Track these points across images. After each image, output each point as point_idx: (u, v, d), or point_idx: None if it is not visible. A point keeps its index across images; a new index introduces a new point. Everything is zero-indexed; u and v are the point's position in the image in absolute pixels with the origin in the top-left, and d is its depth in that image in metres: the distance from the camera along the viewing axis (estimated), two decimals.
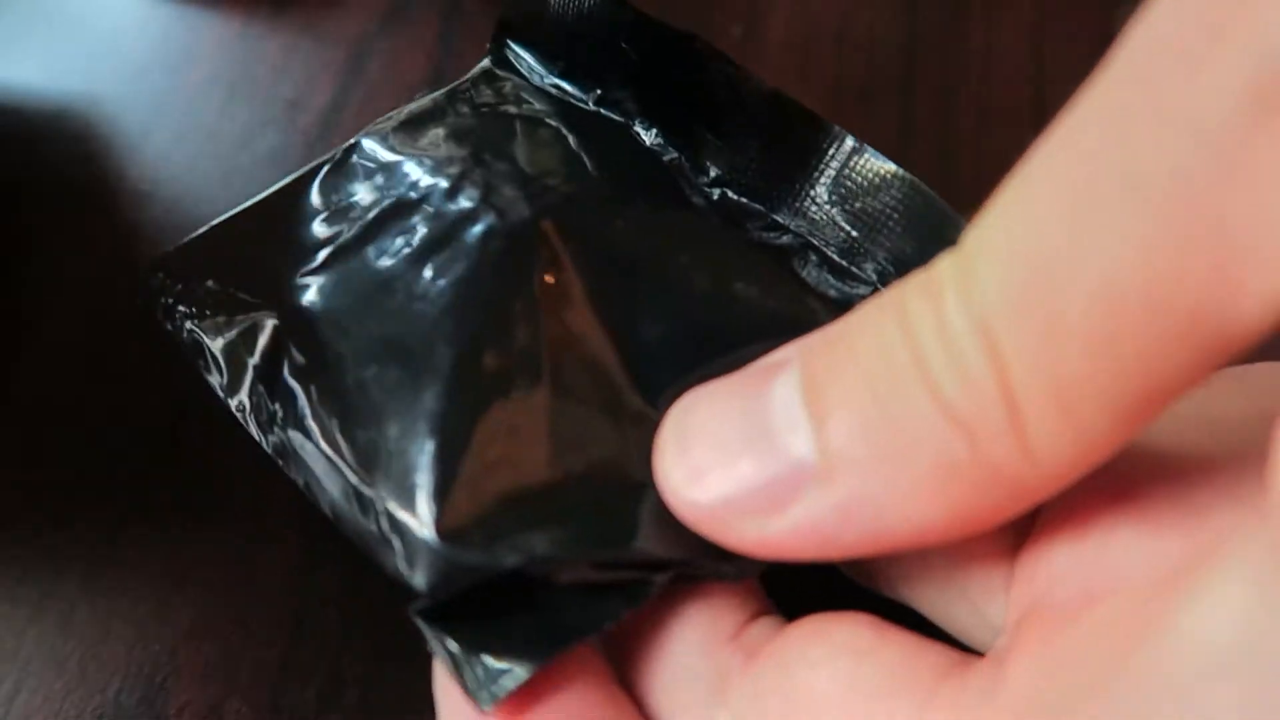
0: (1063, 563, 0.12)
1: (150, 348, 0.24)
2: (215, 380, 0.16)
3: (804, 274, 0.17)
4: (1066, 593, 0.11)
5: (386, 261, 0.15)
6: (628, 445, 0.13)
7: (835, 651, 0.12)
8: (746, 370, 0.12)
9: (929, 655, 0.12)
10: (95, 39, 0.28)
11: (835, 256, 0.17)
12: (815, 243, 0.17)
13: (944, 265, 0.11)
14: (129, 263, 0.25)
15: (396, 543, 0.13)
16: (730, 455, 0.12)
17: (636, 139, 0.18)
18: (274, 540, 0.22)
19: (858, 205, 0.16)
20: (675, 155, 0.18)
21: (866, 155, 0.16)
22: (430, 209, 0.16)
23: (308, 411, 0.14)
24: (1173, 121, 0.09)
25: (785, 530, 0.11)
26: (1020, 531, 0.13)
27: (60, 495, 0.22)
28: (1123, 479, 0.12)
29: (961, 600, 0.13)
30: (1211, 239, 0.09)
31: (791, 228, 0.17)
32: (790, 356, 0.12)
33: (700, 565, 0.13)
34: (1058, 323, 0.09)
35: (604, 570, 0.13)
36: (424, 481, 0.13)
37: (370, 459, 0.14)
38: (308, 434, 0.14)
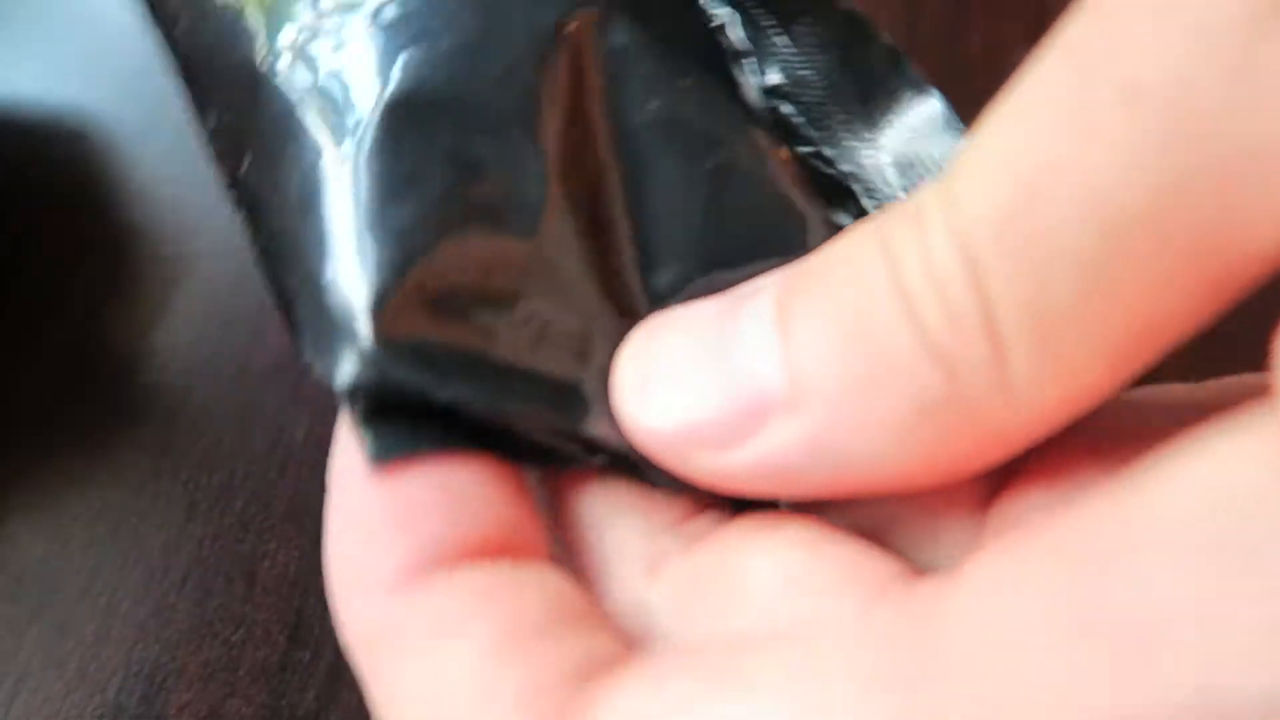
0: (1036, 518, 0.10)
1: (150, 347, 0.24)
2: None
3: (836, 220, 0.15)
4: None
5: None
6: (605, 322, 0.12)
7: (782, 543, 0.11)
8: (719, 296, 0.11)
9: (882, 562, 0.11)
10: (95, 41, 0.28)
11: (873, 212, 0.15)
12: (856, 191, 0.15)
13: (930, 191, 0.10)
14: (129, 263, 0.25)
15: (319, 320, 0.12)
16: (691, 380, 0.11)
17: (702, 11, 0.15)
18: (274, 540, 0.22)
19: (918, 175, 0.14)
20: (740, 41, 0.15)
21: (953, 132, 0.14)
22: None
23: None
24: (1175, 24, 0.08)
25: (746, 464, 0.11)
26: (996, 483, 0.12)
27: (60, 494, 0.22)
28: (1107, 431, 0.11)
29: (931, 546, 0.12)
30: (1216, 154, 0.08)
31: (838, 166, 0.15)
32: (766, 284, 0.11)
33: (645, 471, 0.12)
34: (1047, 244, 0.09)
35: (537, 434, 0.12)
36: (375, 277, 0.11)
37: (329, 228, 0.12)
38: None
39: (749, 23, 0.15)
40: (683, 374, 0.11)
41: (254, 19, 0.13)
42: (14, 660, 0.20)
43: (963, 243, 0.09)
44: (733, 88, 0.15)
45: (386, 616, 0.11)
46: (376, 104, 0.12)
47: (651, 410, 0.11)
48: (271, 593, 0.21)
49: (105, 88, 0.27)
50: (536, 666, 0.10)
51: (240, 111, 0.13)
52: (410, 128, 0.12)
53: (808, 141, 0.15)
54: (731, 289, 0.12)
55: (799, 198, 0.14)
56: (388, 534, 0.11)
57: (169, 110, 0.27)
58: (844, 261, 0.10)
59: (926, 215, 0.10)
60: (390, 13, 0.13)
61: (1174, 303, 0.09)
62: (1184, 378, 0.12)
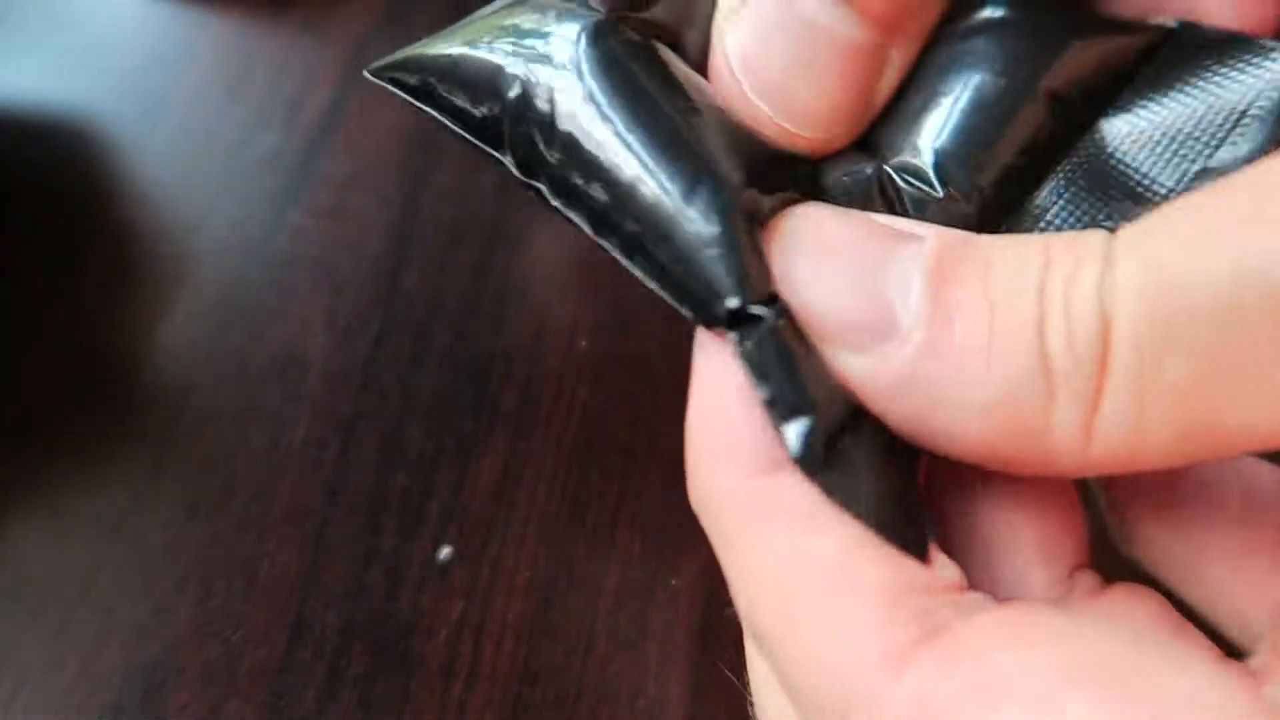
0: None
1: (150, 347, 0.24)
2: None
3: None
4: None
5: None
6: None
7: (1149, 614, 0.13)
8: (873, 220, 0.13)
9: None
10: (95, 39, 0.28)
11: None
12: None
13: (1097, 240, 0.11)
14: (129, 262, 0.25)
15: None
16: (838, 286, 0.12)
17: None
18: (274, 540, 0.22)
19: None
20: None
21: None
22: None
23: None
24: None
25: (860, 369, 0.12)
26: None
27: (60, 493, 0.22)
28: None
29: (1227, 597, 0.14)
30: None
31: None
32: (925, 233, 0.12)
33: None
34: (1174, 340, 0.10)
35: None
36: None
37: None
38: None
39: None
40: (833, 277, 0.13)
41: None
42: (14, 660, 0.20)
43: (1106, 300, 0.11)
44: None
45: (757, 491, 0.12)
46: None
47: (799, 287, 0.13)
48: (271, 593, 0.21)
49: (105, 87, 0.27)
50: (896, 570, 0.12)
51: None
52: None
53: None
54: (884, 218, 0.13)
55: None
56: (763, 425, 0.12)
57: (169, 110, 0.27)
58: (1006, 250, 0.12)
59: (1087, 259, 0.11)
60: None
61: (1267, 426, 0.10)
62: None
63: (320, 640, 0.21)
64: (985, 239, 0.12)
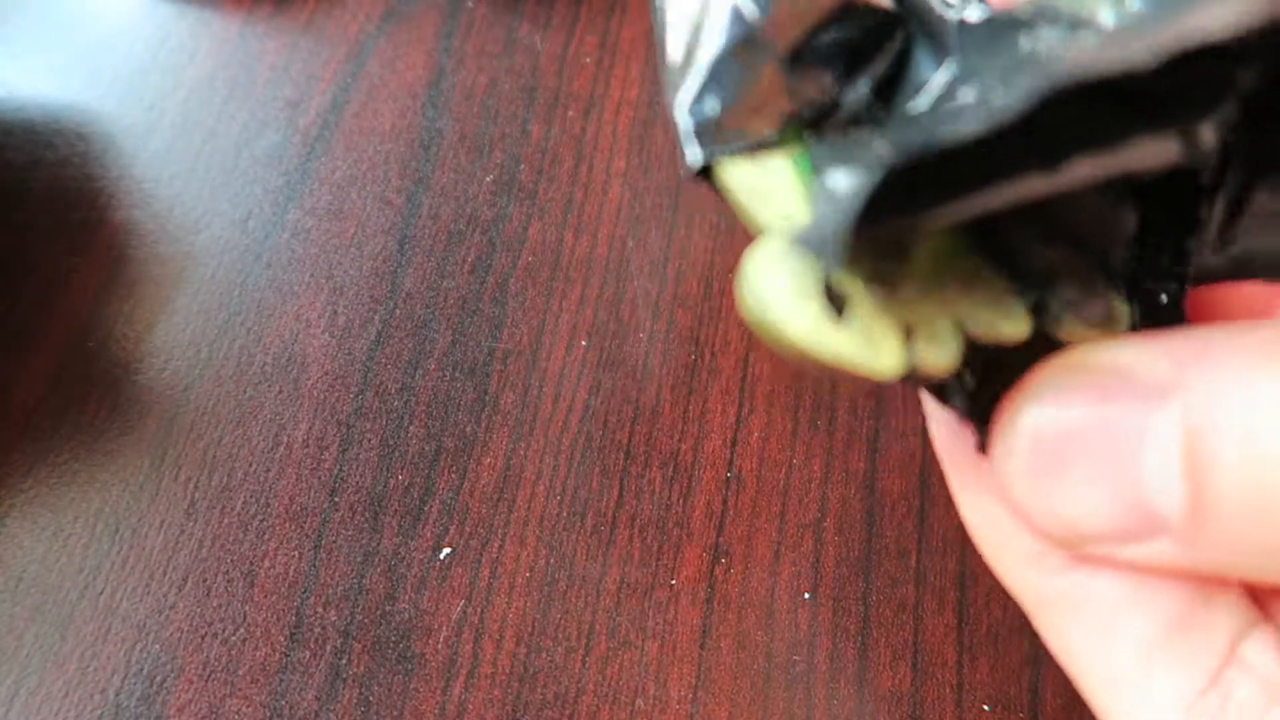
0: None
1: (150, 347, 0.24)
2: None
3: None
4: None
5: None
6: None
7: None
8: (1107, 379, 0.11)
9: None
10: (95, 39, 0.28)
11: None
12: None
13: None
14: (129, 263, 0.25)
15: None
16: (1088, 490, 0.11)
17: None
18: (274, 540, 0.22)
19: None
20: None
21: None
22: None
23: None
24: None
25: (1123, 559, 0.12)
26: None
27: (60, 494, 0.22)
28: None
29: None
30: None
31: None
32: (1168, 385, 0.11)
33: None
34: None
35: None
36: None
37: None
38: None
39: None
40: (1079, 479, 0.11)
41: None
42: (14, 660, 0.20)
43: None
44: None
45: (1064, 587, 0.12)
46: None
47: (1041, 503, 0.12)
48: (271, 593, 0.21)
49: (105, 87, 0.27)
50: (1193, 663, 0.12)
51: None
52: None
53: None
54: (1119, 355, 0.11)
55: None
56: (1057, 522, 0.12)
57: (169, 110, 0.27)
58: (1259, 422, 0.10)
59: None
60: None
61: None
62: None
63: (320, 640, 0.21)
64: (1235, 382, 0.10)
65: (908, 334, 0.12)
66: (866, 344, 0.11)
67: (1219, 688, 0.13)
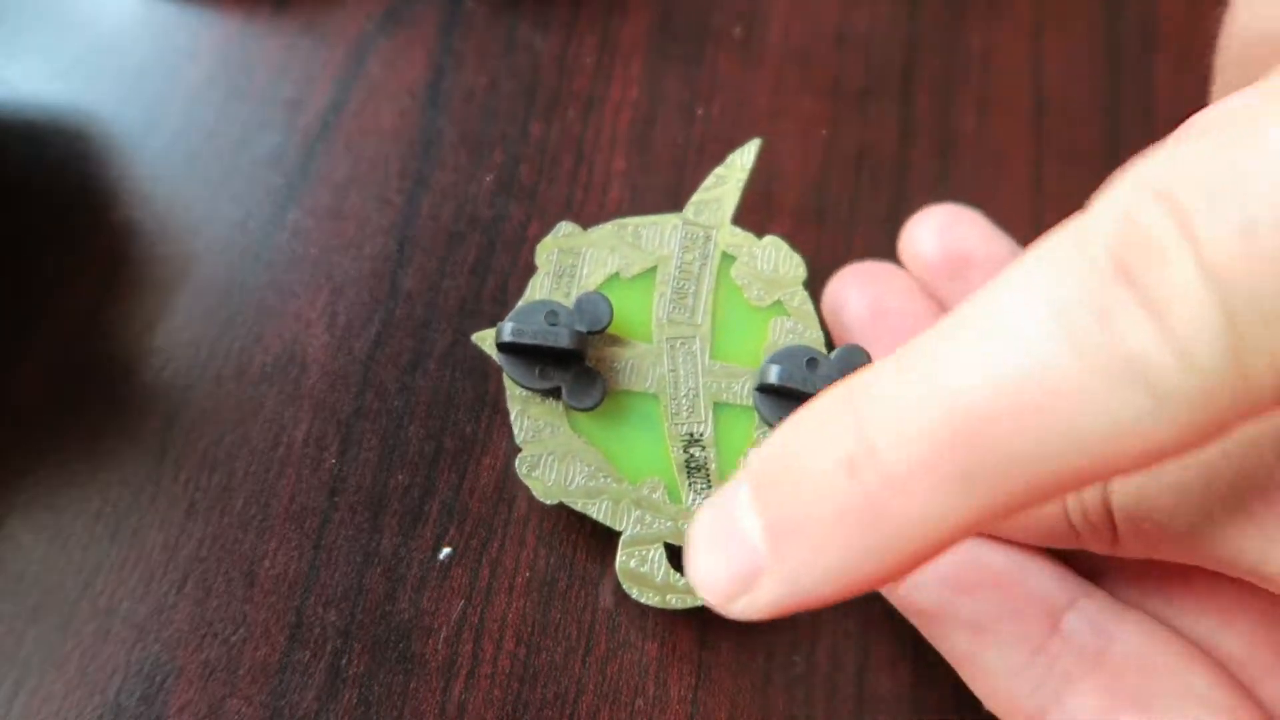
0: None
1: (150, 347, 0.24)
2: None
3: None
4: None
5: None
6: None
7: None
8: (726, 485, 0.15)
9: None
10: (95, 39, 0.28)
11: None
12: None
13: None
14: (129, 263, 0.25)
15: None
16: (705, 558, 0.14)
17: None
18: (274, 540, 0.22)
19: None
20: None
21: None
22: None
23: None
24: None
25: (753, 608, 0.14)
26: None
27: (60, 494, 0.22)
28: None
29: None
30: None
31: None
32: (744, 474, 0.14)
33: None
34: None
35: None
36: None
37: None
38: None
39: None
40: (702, 550, 0.14)
41: None
42: (14, 660, 0.20)
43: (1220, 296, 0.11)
44: None
45: (917, 603, 0.19)
46: None
47: (691, 573, 0.15)
48: (271, 593, 0.21)
49: (105, 87, 0.27)
50: (1021, 635, 0.18)
51: None
52: None
53: None
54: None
55: None
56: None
57: (169, 110, 0.27)
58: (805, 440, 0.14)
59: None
60: None
61: None
62: None
63: (320, 640, 0.21)
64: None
65: None
66: None
67: (1044, 656, 0.17)
